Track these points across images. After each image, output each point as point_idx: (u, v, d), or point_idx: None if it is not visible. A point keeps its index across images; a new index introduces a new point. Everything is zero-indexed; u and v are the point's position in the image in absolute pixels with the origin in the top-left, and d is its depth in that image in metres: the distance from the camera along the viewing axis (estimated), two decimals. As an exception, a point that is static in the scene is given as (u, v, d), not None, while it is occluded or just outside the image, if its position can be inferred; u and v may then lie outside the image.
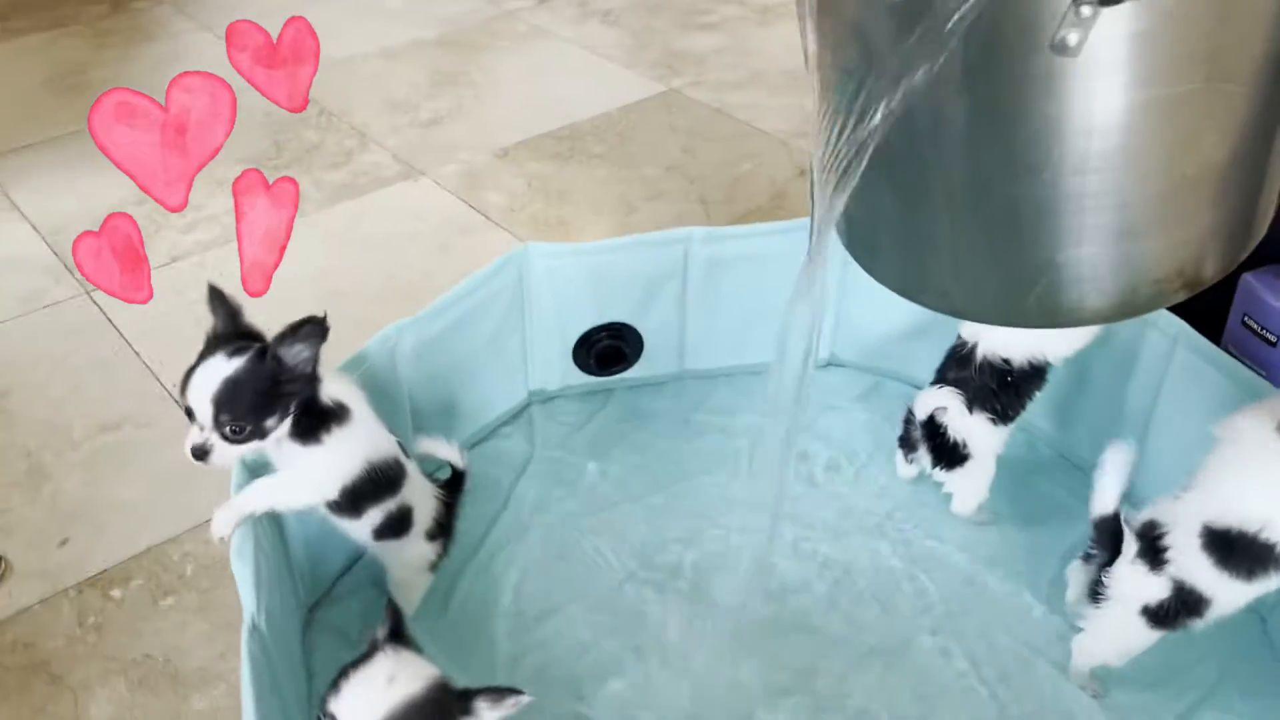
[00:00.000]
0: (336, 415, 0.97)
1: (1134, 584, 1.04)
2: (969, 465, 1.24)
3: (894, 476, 1.34)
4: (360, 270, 1.79)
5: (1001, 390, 1.21)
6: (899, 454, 1.32)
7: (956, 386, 1.22)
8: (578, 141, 2.17)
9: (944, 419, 1.23)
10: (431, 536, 1.13)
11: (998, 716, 1.09)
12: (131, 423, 1.48)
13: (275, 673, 0.94)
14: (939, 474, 1.27)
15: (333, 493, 0.99)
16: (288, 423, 0.94)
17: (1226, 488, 0.98)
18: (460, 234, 1.88)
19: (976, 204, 0.83)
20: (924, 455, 1.28)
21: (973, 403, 1.21)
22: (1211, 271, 0.84)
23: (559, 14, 2.74)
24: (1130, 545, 1.04)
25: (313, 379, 0.95)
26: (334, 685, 0.83)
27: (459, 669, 1.03)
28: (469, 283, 1.29)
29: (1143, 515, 1.05)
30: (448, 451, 1.17)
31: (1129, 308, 0.84)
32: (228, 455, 0.93)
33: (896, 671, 1.13)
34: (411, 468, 1.09)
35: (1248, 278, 1.20)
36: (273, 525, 1.04)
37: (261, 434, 0.93)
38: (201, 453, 0.93)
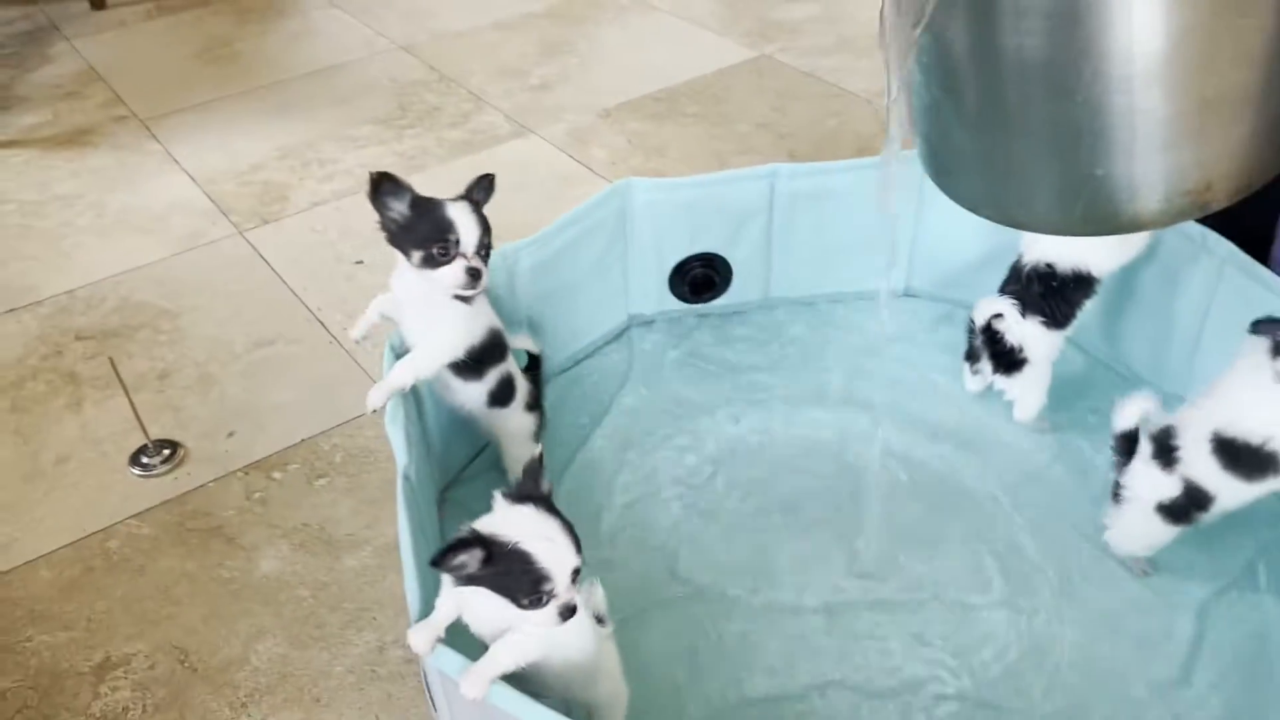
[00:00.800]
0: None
1: (1149, 482, 1.16)
2: (1026, 370, 1.37)
3: (963, 391, 1.47)
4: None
5: (1049, 295, 1.33)
6: (965, 368, 1.45)
7: (1013, 297, 1.35)
8: (674, 103, 2.33)
9: (1001, 326, 1.35)
10: (529, 408, 1.32)
11: (1049, 565, 1.24)
12: (284, 339, 1.69)
13: (420, 520, 1.12)
14: (1000, 380, 1.40)
15: (461, 352, 1.18)
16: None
17: (1240, 402, 1.10)
18: (566, 185, 2.05)
19: (1026, 123, 0.96)
20: (986, 365, 1.40)
21: (1026, 309, 1.34)
22: (1238, 186, 0.93)
23: (659, -13, 2.90)
24: (1146, 448, 1.17)
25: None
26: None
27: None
28: (577, 211, 1.46)
29: (1159, 421, 1.17)
30: (525, 341, 1.37)
31: (1165, 217, 0.95)
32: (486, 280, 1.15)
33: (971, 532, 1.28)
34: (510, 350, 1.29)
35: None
36: (415, 410, 1.23)
37: (446, 259, 1.12)
38: (476, 274, 1.13)
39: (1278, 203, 1.31)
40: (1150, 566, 1.23)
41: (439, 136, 2.24)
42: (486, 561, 0.86)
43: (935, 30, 0.92)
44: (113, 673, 1.22)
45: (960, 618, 1.20)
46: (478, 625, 0.93)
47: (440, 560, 0.85)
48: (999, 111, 0.96)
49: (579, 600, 0.89)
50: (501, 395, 1.26)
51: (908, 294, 1.67)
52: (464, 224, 1.12)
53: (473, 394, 1.24)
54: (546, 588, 0.87)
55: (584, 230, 1.48)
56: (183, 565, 1.34)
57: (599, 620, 1.04)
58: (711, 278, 1.61)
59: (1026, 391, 1.39)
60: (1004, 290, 1.38)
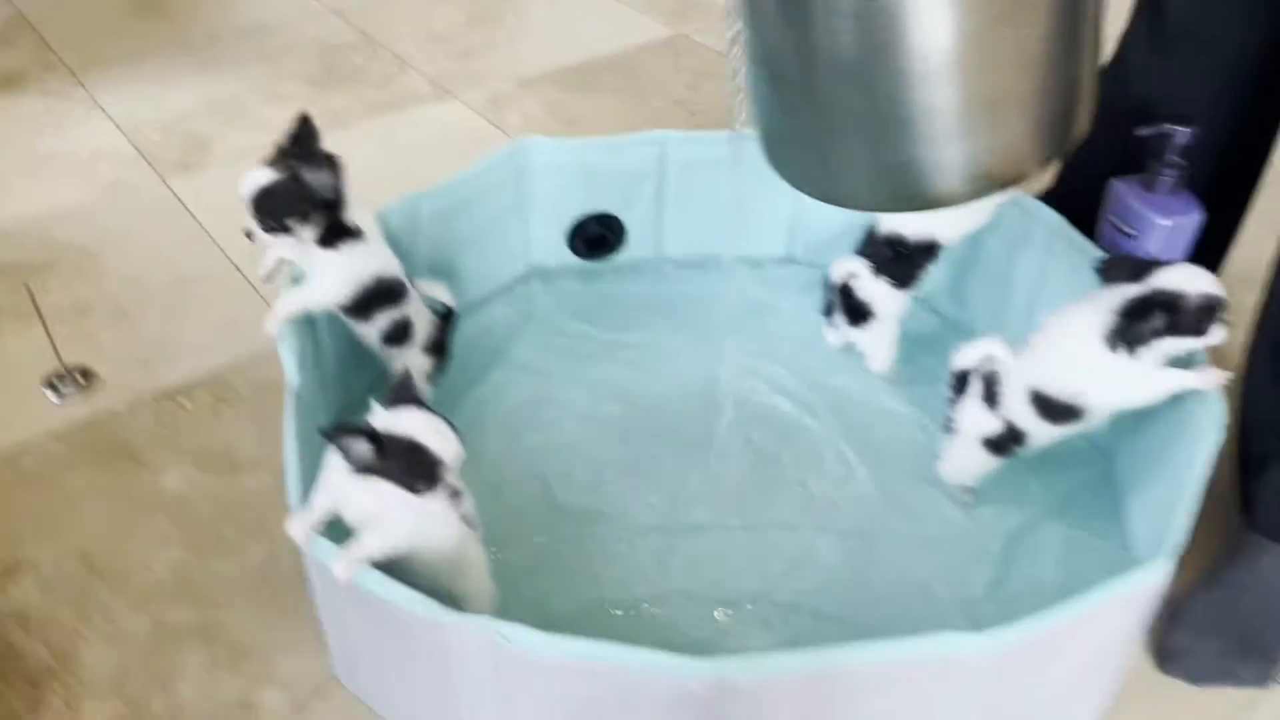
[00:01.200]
0: (353, 233, 1.26)
1: (976, 418, 1.31)
2: (875, 325, 1.51)
3: (824, 346, 1.61)
4: (389, 170, 2.06)
5: (897, 260, 1.48)
6: (825, 322, 1.59)
7: (866, 259, 1.50)
8: (593, 76, 2.44)
9: (854, 284, 1.50)
10: (427, 351, 1.42)
11: (880, 496, 1.38)
12: (199, 280, 1.78)
13: (308, 432, 1.23)
14: (853, 334, 1.54)
15: (346, 296, 1.28)
16: (312, 229, 1.23)
17: (1053, 365, 1.24)
18: (481, 147, 2.13)
19: (837, 114, 1.05)
20: (842, 319, 1.55)
21: (877, 270, 1.49)
22: (1018, 172, 1.02)
23: (587, -35, 3.00)
24: (976, 388, 1.31)
25: (333, 201, 1.23)
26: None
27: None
28: (477, 166, 1.57)
29: (989, 366, 1.31)
30: (441, 292, 1.46)
31: (960, 197, 1.06)
32: (263, 240, 1.23)
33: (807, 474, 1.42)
34: (414, 293, 1.39)
35: (1114, 183, 1.45)
36: (310, 336, 1.33)
37: (286, 230, 1.22)
38: (248, 234, 1.23)
39: (1101, 187, 1.46)
40: (973, 497, 1.38)
41: (359, 95, 2.33)
42: (380, 453, 0.96)
43: (755, 26, 1.03)
44: (20, 575, 1.31)
45: (797, 540, 1.33)
46: (353, 517, 1.04)
47: (333, 434, 0.96)
48: (813, 102, 1.05)
49: (463, 486, 1.00)
50: (395, 336, 1.36)
51: (788, 260, 1.80)
52: (246, 190, 1.21)
53: (366, 332, 1.35)
54: (441, 472, 0.98)
55: (484, 184, 1.59)
56: (91, 481, 1.43)
57: (469, 524, 1.16)
58: (606, 236, 1.73)
59: (877, 344, 1.53)
60: (860, 253, 1.52)
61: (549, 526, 1.35)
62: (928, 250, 1.47)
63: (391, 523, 1.01)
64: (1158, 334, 1.16)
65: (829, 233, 1.74)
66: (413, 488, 0.98)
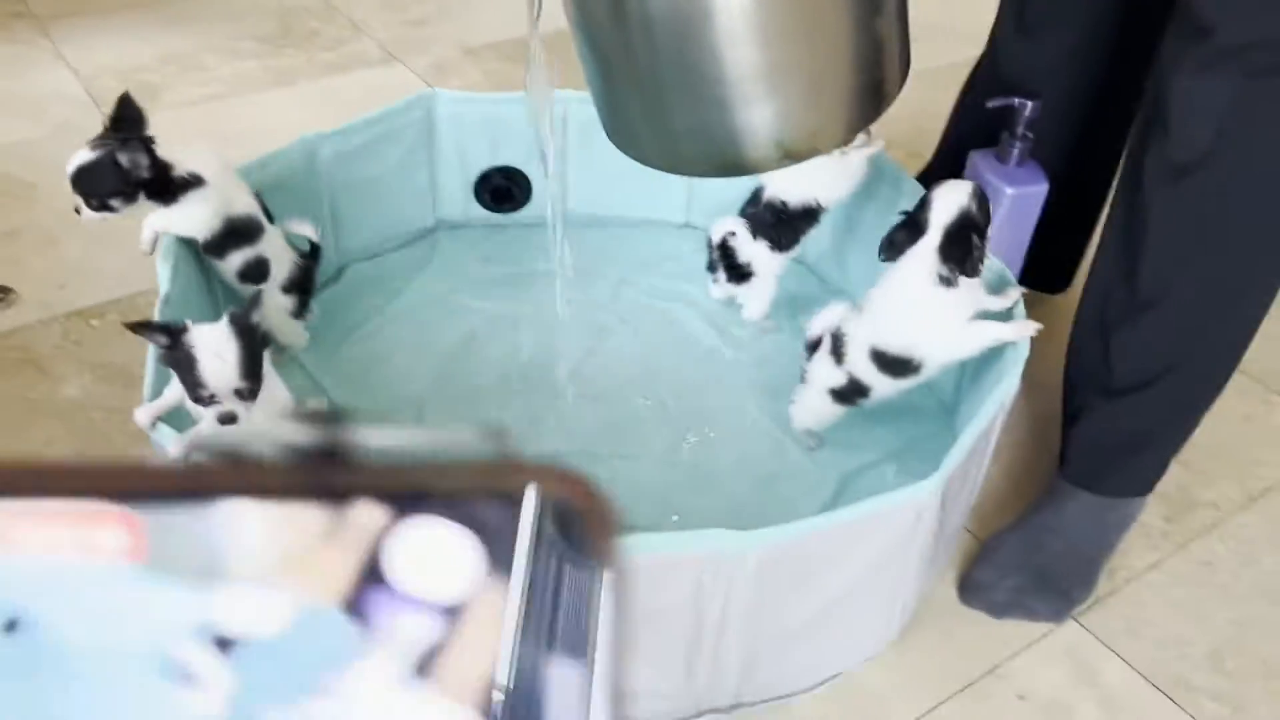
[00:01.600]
0: (190, 184, 1.32)
1: (824, 372, 1.39)
2: (754, 282, 1.59)
3: (707, 300, 1.69)
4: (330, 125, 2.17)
5: (778, 224, 1.55)
6: (709, 278, 1.67)
7: (749, 220, 1.57)
8: (539, 48, 2.52)
9: (734, 243, 1.58)
10: (286, 290, 1.48)
11: (734, 443, 1.47)
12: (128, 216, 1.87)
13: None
14: (733, 288, 1.62)
15: (199, 236, 1.35)
16: (141, 197, 1.30)
17: (889, 321, 1.32)
18: (420, 109, 2.24)
19: (626, 81, 1.14)
20: (723, 275, 1.63)
21: (756, 232, 1.56)
22: (806, 147, 1.10)
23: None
24: (826, 344, 1.39)
25: (150, 178, 1.29)
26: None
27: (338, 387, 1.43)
28: (382, 112, 1.66)
29: (837, 326, 1.39)
30: (307, 229, 1.51)
31: (762, 164, 1.14)
32: (92, 216, 1.30)
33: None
34: (273, 231, 1.44)
35: (972, 154, 1.53)
36: (194, 256, 1.41)
37: (109, 209, 1.29)
38: (76, 209, 1.30)
39: (962, 159, 1.54)
40: (817, 441, 1.46)
41: (310, 56, 2.43)
42: (171, 352, 1.05)
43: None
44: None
45: (636, 468, 1.42)
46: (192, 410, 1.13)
47: (135, 327, 1.04)
48: (609, 69, 1.13)
49: (241, 412, 1.08)
50: (250, 274, 1.42)
51: (688, 225, 1.88)
52: (70, 173, 1.29)
53: (223, 268, 1.41)
54: (204, 393, 1.06)
55: (388, 130, 1.67)
56: (-5, 386, 1.52)
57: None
58: (511, 189, 1.81)
59: (753, 298, 1.61)
60: (743, 212, 1.59)
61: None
62: (809, 214, 1.55)
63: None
64: (978, 236, 1.24)
65: (725, 199, 1.82)
66: (192, 396, 1.06)
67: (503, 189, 1.81)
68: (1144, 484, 1.32)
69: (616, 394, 1.54)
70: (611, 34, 1.09)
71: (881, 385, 1.35)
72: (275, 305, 1.47)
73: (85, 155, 1.28)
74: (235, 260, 1.41)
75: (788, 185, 1.54)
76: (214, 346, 1.06)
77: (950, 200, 1.25)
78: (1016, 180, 1.47)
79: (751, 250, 1.58)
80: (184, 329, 1.06)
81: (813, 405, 1.42)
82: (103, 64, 2.36)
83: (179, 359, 1.05)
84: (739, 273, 1.60)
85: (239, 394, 1.06)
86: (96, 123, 2.25)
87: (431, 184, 1.79)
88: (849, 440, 1.45)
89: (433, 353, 1.59)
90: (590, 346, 1.63)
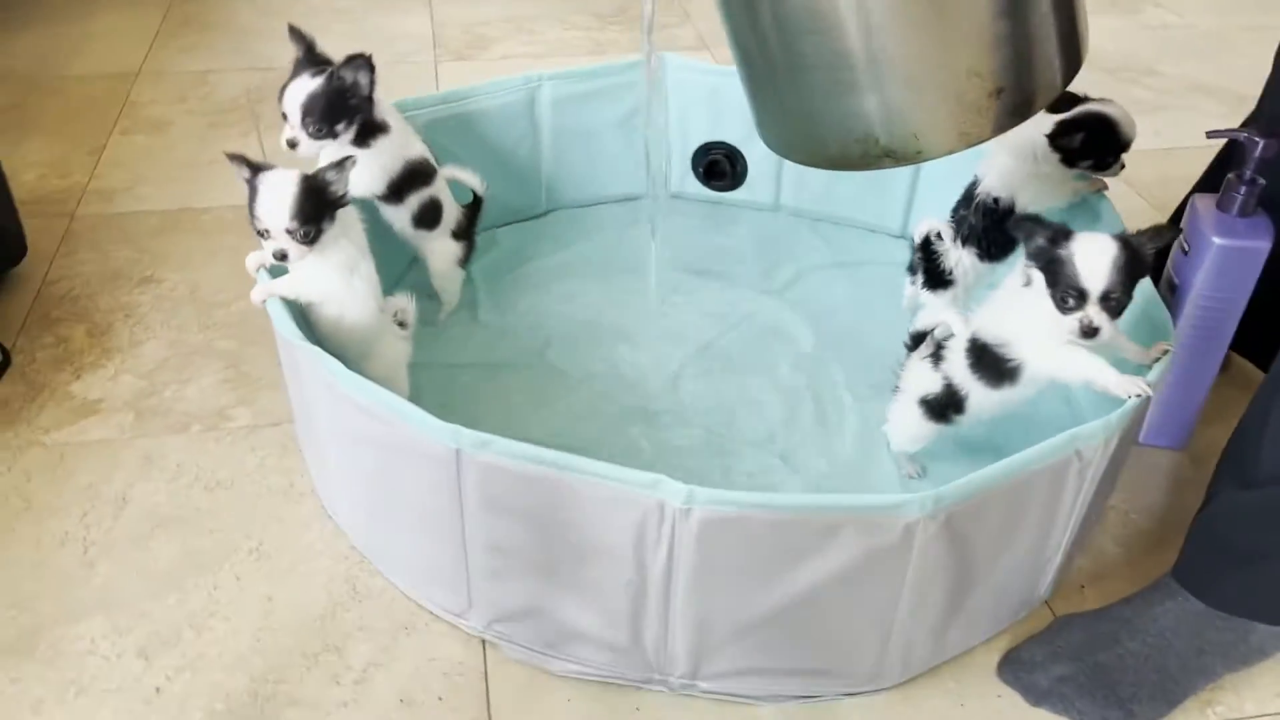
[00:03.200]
0: (382, 128, 1.40)
1: (917, 376, 1.26)
2: (953, 290, 1.44)
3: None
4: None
5: (990, 229, 1.40)
6: (907, 280, 1.53)
7: (956, 222, 1.44)
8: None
9: (938, 246, 1.44)
10: (456, 236, 1.54)
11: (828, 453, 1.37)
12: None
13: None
14: (925, 295, 1.47)
15: (380, 187, 1.43)
16: (353, 130, 1.36)
17: (994, 309, 1.19)
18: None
19: (748, 58, 1.11)
20: (920, 279, 1.48)
21: (966, 238, 1.42)
22: (909, 149, 1.03)
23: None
24: (925, 349, 1.26)
25: (368, 100, 1.35)
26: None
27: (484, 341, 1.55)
28: (607, 65, 1.72)
29: (943, 329, 1.26)
30: (469, 177, 1.56)
31: (851, 160, 1.07)
32: (311, 147, 1.34)
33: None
34: (442, 176, 1.51)
35: (1194, 199, 1.31)
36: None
37: (333, 135, 1.34)
38: (292, 144, 1.34)
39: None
40: (917, 470, 1.32)
41: (633, 36, 2.56)
42: (249, 183, 1.15)
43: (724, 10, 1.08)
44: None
45: (742, 449, 1.37)
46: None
47: (231, 155, 1.16)
48: (752, 66, 1.11)
49: (293, 250, 1.15)
50: (426, 219, 1.49)
51: (904, 236, 1.77)
52: (289, 102, 1.31)
53: (396, 215, 1.47)
54: (258, 225, 1.15)
55: (610, 85, 1.73)
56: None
57: (400, 324, 1.32)
58: (725, 166, 1.80)
59: (942, 307, 1.39)
60: (954, 213, 1.46)
61: (525, 372, 1.49)
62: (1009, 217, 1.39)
63: (298, 274, 1.20)
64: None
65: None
66: (254, 228, 1.15)
67: (718, 165, 1.81)
68: (1265, 607, 1.07)
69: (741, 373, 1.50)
70: (740, 32, 1.08)
71: (977, 395, 1.20)
72: (445, 252, 1.54)
73: (307, 82, 1.32)
74: (413, 203, 1.46)
75: (999, 184, 1.41)
76: (276, 185, 1.14)
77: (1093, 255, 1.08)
78: (1232, 232, 1.24)
79: (956, 256, 1.45)
80: (264, 167, 1.17)
81: (905, 419, 1.29)
82: (455, 15, 2.64)
83: (250, 191, 1.16)
84: (939, 279, 1.47)
85: (289, 233, 1.15)
86: (427, 58, 2.46)
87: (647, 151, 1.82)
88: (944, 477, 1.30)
89: (584, 303, 1.63)
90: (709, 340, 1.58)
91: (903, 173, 1.72)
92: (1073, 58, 1.07)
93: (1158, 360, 1.13)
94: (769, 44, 1.06)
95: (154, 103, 2.21)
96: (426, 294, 1.56)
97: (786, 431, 1.40)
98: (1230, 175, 1.26)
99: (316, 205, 1.15)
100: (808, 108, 1.07)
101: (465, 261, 1.58)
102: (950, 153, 1.06)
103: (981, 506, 1.00)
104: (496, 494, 1.03)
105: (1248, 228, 1.25)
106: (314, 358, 1.11)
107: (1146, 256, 1.08)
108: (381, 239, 1.48)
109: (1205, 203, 1.29)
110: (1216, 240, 1.24)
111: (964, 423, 1.24)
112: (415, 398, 1.37)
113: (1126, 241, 1.08)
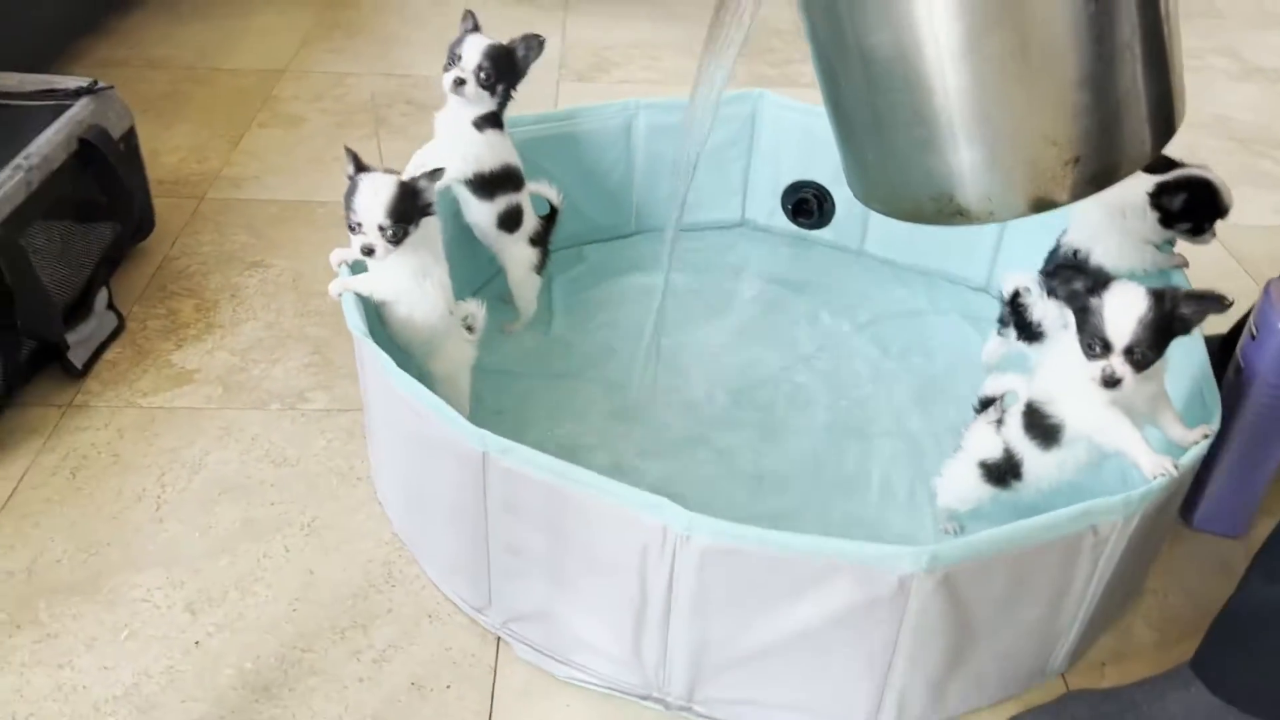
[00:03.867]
0: (501, 125, 1.51)
1: (980, 438, 1.26)
2: (1048, 343, 1.41)
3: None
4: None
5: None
6: (994, 332, 1.53)
7: (1045, 277, 1.41)
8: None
9: (1026, 299, 1.44)
10: (533, 243, 1.61)
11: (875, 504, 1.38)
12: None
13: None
14: (1023, 347, 1.46)
15: (469, 170, 1.50)
16: (505, 96, 1.48)
17: (1043, 369, 1.18)
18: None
19: (837, 109, 1.13)
20: (1012, 332, 1.48)
21: (1049, 289, 1.38)
22: (981, 210, 1.03)
23: None
24: (992, 413, 1.26)
25: (519, 77, 1.47)
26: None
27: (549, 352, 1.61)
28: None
29: (1012, 389, 1.26)
30: (547, 190, 1.64)
31: (924, 215, 1.08)
32: (472, 92, 1.44)
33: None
34: (527, 190, 1.59)
35: (1271, 281, 1.27)
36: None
37: (495, 89, 1.45)
38: (460, 82, 1.43)
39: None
40: (958, 529, 1.32)
41: (751, 68, 2.60)
42: (351, 179, 1.24)
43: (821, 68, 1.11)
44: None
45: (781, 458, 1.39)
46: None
47: (348, 150, 1.25)
48: (843, 126, 1.13)
49: (380, 247, 1.23)
50: (508, 221, 1.56)
51: (983, 289, 1.76)
52: (469, 47, 1.43)
53: (483, 213, 1.55)
54: (352, 219, 1.23)
55: (705, 115, 1.77)
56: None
57: (469, 328, 1.39)
58: (812, 205, 1.83)
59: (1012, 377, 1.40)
60: (1044, 268, 1.46)
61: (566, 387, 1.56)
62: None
63: (375, 273, 1.28)
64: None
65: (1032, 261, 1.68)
66: (347, 222, 1.23)
67: (806, 203, 1.83)
68: (1277, 708, 1.03)
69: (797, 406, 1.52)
70: (831, 53, 1.11)
71: (1031, 459, 1.20)
72: (523, 257, 1.61)
73: (484, 40, 1.44)
74: (500, 204, 1.55)
75: (1083, 237, 1.41)
76: (375, 184, 1.23)
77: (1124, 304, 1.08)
78: (1301, 321, 1.21)
79: (1044, 309, 1.44)
80: (369, 168, 1.25)
81: (960, 479, 1.29)
82: (585, 37, 2.73)
83: (350, 186, 1.24)
84: (1030, 332, 1.45)
85: (380, 229, 1.23)
86: (549, 76, 2.51)
87: (744, 181, 1.86)
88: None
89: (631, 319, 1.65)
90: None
91: (989, 226, 1.72)
92: (1163, 126, 1.06)
93: (1196, 443, 1.11)
94: (857, 98, 1.09)
95: (294, 99, 2.37)
96: (505, 301, 1.64)
97: (834, 469, 1.42)
98: (1308, 260, 1.22)
99: (409, 208, 1.24)
100: (887, 161, 1.10)
101: (541, 269, 1.65)
102: (1022, 215, 1.07)
103: (984, 570, 1.00)
104: (515, 498, 1.08)
105: (1319, 318, 1.21)
106: (373, 352, 1.18)
107: (1185, 316, 1.07)
108: (467, 246, 1.59)
109: (1273, 288, 1.26)
110: (1282, 327, 1.21)
111: (1024, 490, 1.24)
112: (475, 399, 1.46)
113: (1161, 297, 1.07)
